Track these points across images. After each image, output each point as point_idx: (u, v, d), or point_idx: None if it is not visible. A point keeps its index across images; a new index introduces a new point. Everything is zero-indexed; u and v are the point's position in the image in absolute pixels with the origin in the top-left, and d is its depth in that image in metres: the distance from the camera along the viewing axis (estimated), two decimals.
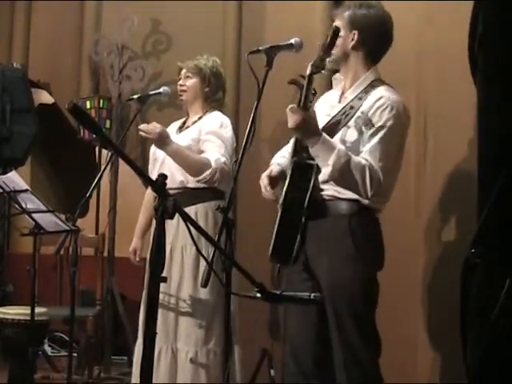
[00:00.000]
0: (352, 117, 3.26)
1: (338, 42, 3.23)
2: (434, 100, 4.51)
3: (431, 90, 4.53)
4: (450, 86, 4.35)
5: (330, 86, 3.60)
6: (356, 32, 3.33)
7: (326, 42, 3.12)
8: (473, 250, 1.59)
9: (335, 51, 3.28)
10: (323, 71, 3.17)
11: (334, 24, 3.28)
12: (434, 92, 4.52)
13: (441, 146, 4.50)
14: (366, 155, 3.16)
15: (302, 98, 3.12)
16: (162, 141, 3.96)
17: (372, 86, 3.32)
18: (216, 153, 4.01)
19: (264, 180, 3.44)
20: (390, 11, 4.53)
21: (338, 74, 3.47)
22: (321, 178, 3.19)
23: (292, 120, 3.10)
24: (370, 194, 3.15)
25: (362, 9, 3.35)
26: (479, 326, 1.54)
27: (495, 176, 1.83)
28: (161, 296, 3.98)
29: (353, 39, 3.34)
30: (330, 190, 3.27)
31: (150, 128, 3.94)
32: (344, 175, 3.12)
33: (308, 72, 3.12)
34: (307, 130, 3.12)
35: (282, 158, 3.54)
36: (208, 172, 3.95)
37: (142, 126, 3.98)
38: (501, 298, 1.52)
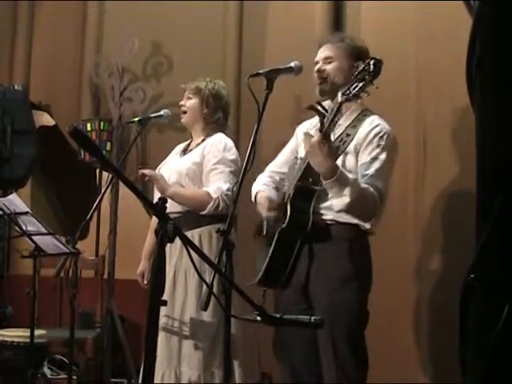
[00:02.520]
0: (349, 143, 3.34)
1: (340, 71, 3.43)
2: (433, 118, 4.53)
3: (430, 108, 4.55)
4: (449, 104, 4.37)
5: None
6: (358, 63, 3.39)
7: (370, 73, 3.03)
8: (472, 275, 1.60)
9: (338, 77, 3.41)
10: (357, 99, 3.15)
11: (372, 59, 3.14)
12: (433, 110, 4.53)
13: (440, 164, 4.51)
14: (371, 179, 3.26)
15: (326, 125, 3.13)
16: (163, 185, 4.03)
17: (364, 114, 3.42)
18: (217, 182, 4.03)
19: (264, 201, 3.47)
20: (391, 31, 4.61)
21: (325, 102, 3.52)
22: (336, 208, 3.24)
23: (315, 154, 3.14)
24: (376, 217, 3.33)
25: (354, 42, 3.53)
26: (478, 351, 1.55)
27: (494, 196, 1.83)
28: (164, 319, 3.98)
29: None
30: (329, 215, 3.35)
31: (151, 172, 4.03)
32: (357, 204, 3.20)
33: (340, 99, 3.08)
34: (328, 164, 3.15)
35: (268, 183, 3.66)
36: (210, 205, 3.99)
37: (146, 171, 4.06)
38: (500, 322, 1.52)
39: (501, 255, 1.71)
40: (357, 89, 3.03)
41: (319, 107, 3.24)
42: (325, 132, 3.13)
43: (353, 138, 3.34)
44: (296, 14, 5.19)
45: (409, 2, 4.64)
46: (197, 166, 4.13)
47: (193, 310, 3.97)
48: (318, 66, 3.50)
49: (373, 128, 3.36)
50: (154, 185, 4.10)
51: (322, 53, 3.54)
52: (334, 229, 3.35)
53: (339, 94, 3.09)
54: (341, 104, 3.10)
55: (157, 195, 4.22)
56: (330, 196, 3.26)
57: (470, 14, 1.77)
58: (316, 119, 3.61)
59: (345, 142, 3.35)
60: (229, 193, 3.99)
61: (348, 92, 3.06)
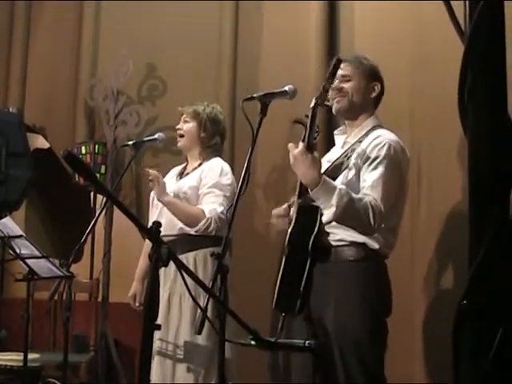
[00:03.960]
0: (349, 158, 3.32)
1: (358, 90, 3.41)
2: (428, 140, 4.52)
3: (425, 130, 4.54)
4: (444, 126, 4.36)
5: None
6: (378, 84, 3.47)
7: (328, 72, 3.16)
8: (464, 301, 1.60)
9: (356, 96, 3.41)
10: (328, 103, 3.19)
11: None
12: (428, 132, 4.52)
13: (435, 189, 4.51)
14: (368, 190, 3.21)
15: (307, 134, 3.14)
16: (162, 190, 4.01)
17: (372, 130, 3.41)
18: (213, 203, 4.04)
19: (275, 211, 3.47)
20: (384, 53, 4.62)
21: (341, 127, 3.53)
22: (324, 219, 3.18)
23: (298, 166, 3.14)
24: (374, 228, 3.20)
25: (370, 61, 3.51)
26: (472, 377, 1.55)
27: (485, 222, 1.84)
28: (159, 343, 3.97)
29: (374, 90, 3.46)
30: (338, 235, 3.29)
31: (157, 175, 4.02)
32: (347, 214, 3.13)
33: (312, 105, 3.13)
34: (311, 174, 3.13)
35: None
36: (202, 223, 4.00)
37: (152, 172, 4.04)
38: (493, 348, 1.52)
39: (494, 278, 1.71)
40: (321, 91, 3.11)
41: (303, 120, 3.27)
42: (307, 142, 3.13)
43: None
44: (291, 14, 5.22)
45: (404, 2, 4.65)
46: (193, 189, 4.15)
47: (187, 334, 3.96)
48: (335, 84, 3.41)
49: (374, 139, 3.33)
50: (152, 187, 4.08)
51: (340, 71, 3.44)
52: (341, 249, 3.29)
53: (313, 100, 3.14)
54: (313, 110, 3.13)
55: (152, 213, 4.24)
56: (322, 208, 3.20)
57: (462, 40, 1.78)
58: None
59: (349, 157, 3.33)
60: (222, 216, 4.01)
61: (319, 97, 3.12)
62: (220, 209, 4.03)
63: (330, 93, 3.35)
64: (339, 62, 3.17)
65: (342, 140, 3.51)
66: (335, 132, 3.61)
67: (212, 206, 4.05)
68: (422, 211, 4.53)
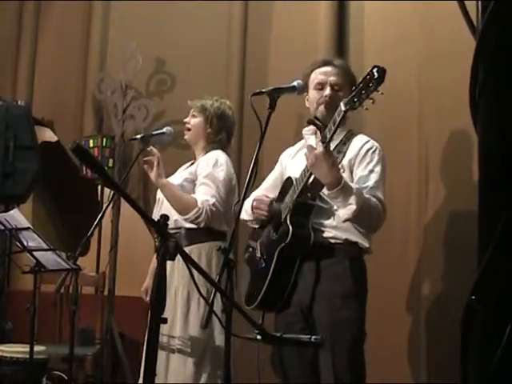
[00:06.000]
0: (342, 160, 3.35)
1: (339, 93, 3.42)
2: (437, 136, 4.52)
3: (433, 125, 4.54)
4: (452, 124, 4.37)
5: None
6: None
7: (374, 80, 2.99)
8: (473, 297, 1.60)
9: (336, 101, 3.39)
10: (364, 107, 3.18)
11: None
12: (437, 128, 4.52)
13: (443, 184, 4.51)
14: (372, 191, 3.32)
15: (329, 136, 3.15)
16: (159, 173, 4.02)
17: (351, 134, 3.43)
18: (205, 194, 4.03)
19: (264, 200, 3.54)
20: (393, 49, 4.61)
21: (310, 127, 3.54)
22: (343, 217, 3.26)
23: (320, 165, 3.16)
24: (380, 226, 3.38)
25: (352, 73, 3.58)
26: (480, 373, 1.54)
27: (495, 221, 1.83)
28: None
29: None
30: (329, 233, 3.38)
31: (157, 154, 4.01)
32: (363, 213, 3.22)
33: (343, 108, 3.08)
34: (333, 174, 3.17)
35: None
36: (193, 212, 3.99)
37: (155, 151, 4.03)
38: (502, 344, 1.52)
39: (503, 276, 1.71)
40: (363, 96, 3.01)
41: (317, 121, 3.32)
42: (328, 143, 3.16)
43: (344, 155, 3.37)
44: (300, 13, 5.21)
45: (411, 3, 4.65)
46: (188, 182, 4.14)
47: (181, 326, 3.96)
48: (328, 92, 3.49)
49: (364, 144, 3.46)
50: (151, 167, 4.06)
51: (332, 76, 3.53)
52: (333, 247, 3.37)
53: (341, 104, 3.09)
54: (345, 113, 3.09)
55: (159, 211, 4.24)
56: (335, 208, 3.31)
57: (474, 37, 1.78)
58: (299, 144, 3.72)
59: (336, 158, 3.35)
60: (213, 208, 4.00)
61: (352, 100, 3.04)
62: (212, 200, 4.02)
63: (317, 97, 3.50)
64: (384, 71, 2.98)
65: (313, 140, 3.50)
66: (304, 131, 3.63)
67: (204, 197, 4.03)
68: (430, 206, 4.53)
